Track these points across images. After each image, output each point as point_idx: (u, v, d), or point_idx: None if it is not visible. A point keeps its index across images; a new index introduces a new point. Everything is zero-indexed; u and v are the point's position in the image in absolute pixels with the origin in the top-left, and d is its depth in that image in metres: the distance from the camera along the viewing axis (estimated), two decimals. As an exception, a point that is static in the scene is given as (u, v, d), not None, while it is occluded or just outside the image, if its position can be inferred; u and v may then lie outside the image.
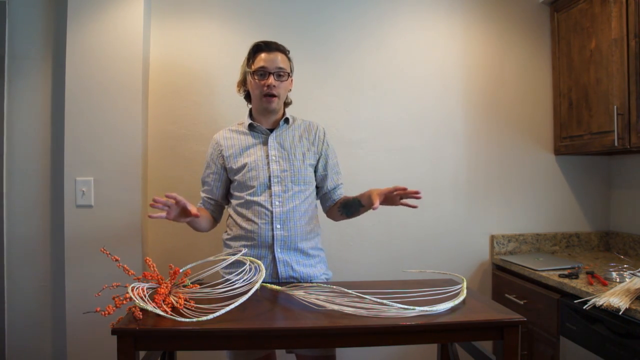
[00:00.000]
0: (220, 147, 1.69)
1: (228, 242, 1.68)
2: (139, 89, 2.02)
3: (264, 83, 1.61)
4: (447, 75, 2.35)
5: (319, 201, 1.81)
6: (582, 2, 2.14)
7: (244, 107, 1.81)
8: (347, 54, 2.29)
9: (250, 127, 1.69)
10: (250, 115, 1.72)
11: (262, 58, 1.62)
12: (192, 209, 1.45)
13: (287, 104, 1.77)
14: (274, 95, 1.61)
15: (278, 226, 1.60)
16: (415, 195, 1.50)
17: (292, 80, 1.72)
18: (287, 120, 1.71)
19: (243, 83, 1.72)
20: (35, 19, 2.08)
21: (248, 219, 1.62)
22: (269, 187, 1.62)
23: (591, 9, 2.07)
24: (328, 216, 1.83)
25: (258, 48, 1.65)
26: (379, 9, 2.31)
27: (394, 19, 2.32)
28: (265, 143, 1.67)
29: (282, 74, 1.63)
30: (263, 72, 1.61)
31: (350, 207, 1.71)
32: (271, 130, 1.68)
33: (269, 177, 1.62)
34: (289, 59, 1.69)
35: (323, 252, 1.75)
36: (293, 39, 2.21)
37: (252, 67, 1.64)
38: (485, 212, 2.37)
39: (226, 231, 1.72)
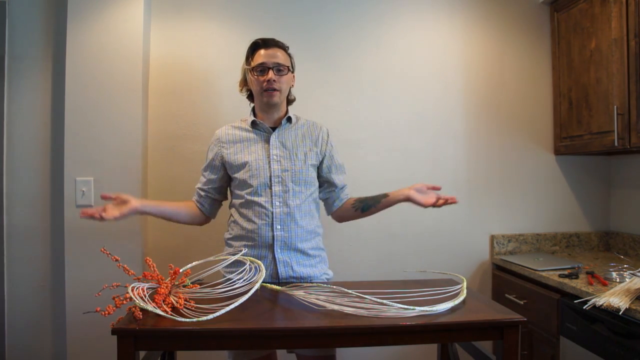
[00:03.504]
0: (222, 143, 1.69)
1: (229, 242, 1.68)
2: (139, 88, 2.02)
3: (263, 79, 1.61)
4: (447, 75, 2.35)
5: (321, 202, 1.80)
6: (582, 2, 2.14)
7: (244, 107, 1.81)
8: (347, 54, 2.29)
9: (253, 124, 1.68)
10: (254, 113, 1.72)
11: (261, 54, 1.62)
12: (132, 202, 1.56)
13: (290, 100, 1.76)
14: (274, 90, 1.61)
15: (278, 227, 1.60)
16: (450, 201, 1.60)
17: (294, 76, 1.72)
18: (289, 119, 1.70)
19: (244, 82, 1.72)
20: (35, 19, 2.07)
21: (248, 219, 1.62)
22: (270, 187, 1.61)
23: (591, 9, 2.07)
24: (334, 217, 1.82)
25: (256, 45, 1.65)
26: (378, 9, 2.31)
27: (393, 19, 2.32)
28: (267, 141, 1.66)
29: (282, 69, 1.62)
30: (262, 68, 1.61)
31: (369, 201, 1.71)
32: (274, 129, 1.68)
33: (270, 176, 1.61)
34: (288, 54, 1.69)
35: (324, 251, 1.75)
36: (293, 39, 2.19)
37: (252, 64, 1.64)
38: (485, 212, 2.37)
39: (227, 230, 1.72)
